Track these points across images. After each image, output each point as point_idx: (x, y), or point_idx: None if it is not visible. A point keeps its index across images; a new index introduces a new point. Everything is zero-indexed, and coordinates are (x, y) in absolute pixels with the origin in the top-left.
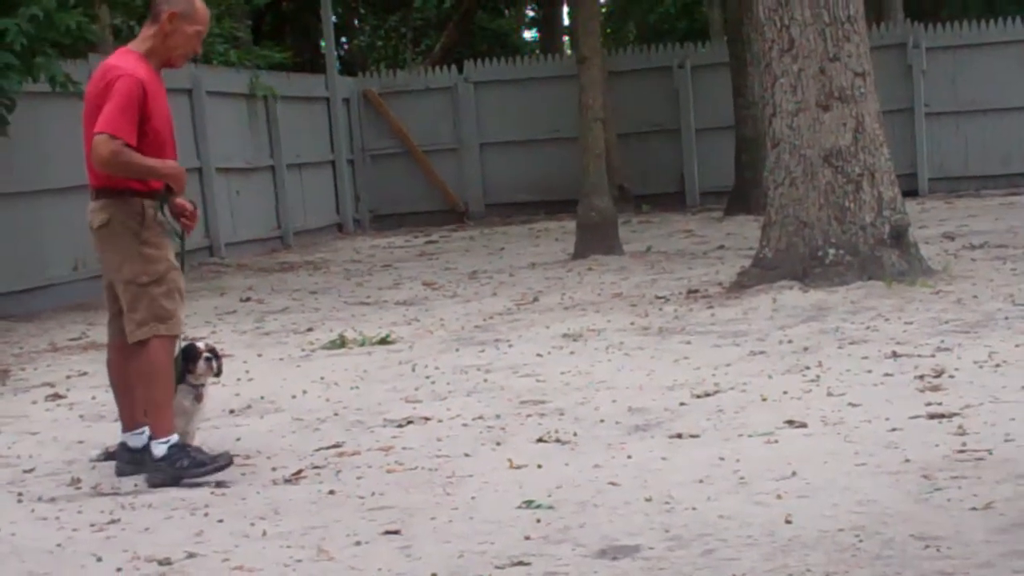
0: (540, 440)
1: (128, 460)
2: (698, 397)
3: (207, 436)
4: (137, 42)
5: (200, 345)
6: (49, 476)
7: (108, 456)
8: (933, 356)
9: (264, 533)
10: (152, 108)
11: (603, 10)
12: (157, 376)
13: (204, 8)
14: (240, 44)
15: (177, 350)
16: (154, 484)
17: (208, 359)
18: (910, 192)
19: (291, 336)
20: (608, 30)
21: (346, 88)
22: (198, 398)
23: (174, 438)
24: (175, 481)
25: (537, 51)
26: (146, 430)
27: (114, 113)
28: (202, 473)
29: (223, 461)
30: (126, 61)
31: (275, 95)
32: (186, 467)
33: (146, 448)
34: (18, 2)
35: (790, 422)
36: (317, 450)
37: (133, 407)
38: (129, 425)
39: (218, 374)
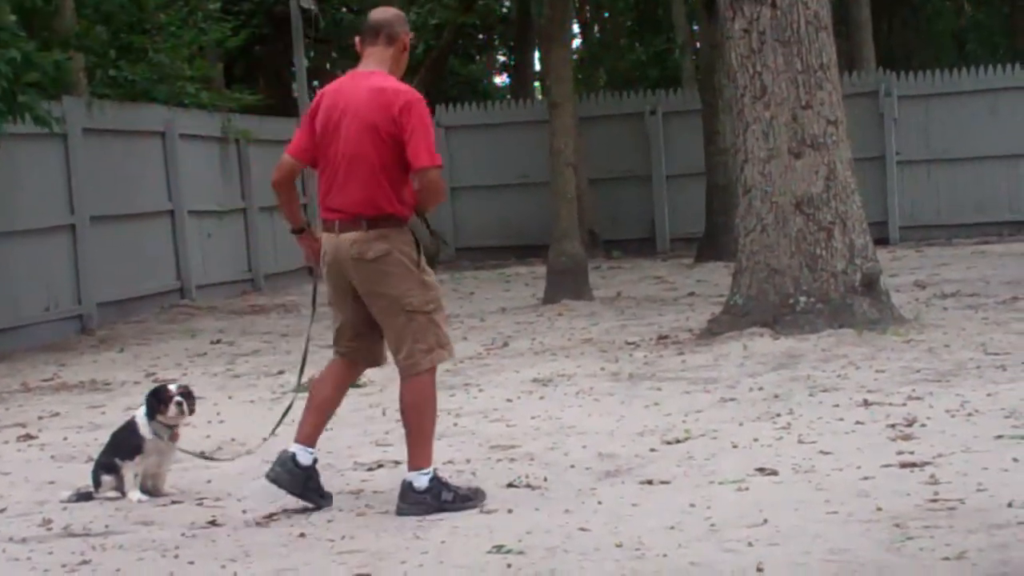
0: (510, 485)
1: (290, 471)
2: (668, 443)
3: (177, 478)
4: (378, 64)
5: (172, 388)
6: (20, 516)
7: (80, 497)
8: (905, 405)
9: (235, 575)
10: None
11: (574, 56)
12: (430, 406)
13: None
14: (212, 85)
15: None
16: (413, 514)
17: (179, 403)
18: (881, 240)
19: (262, 379)
20: (579, 76)
21: None
22: (172, 437)
23: (432, 470)
24: (438, 511)
25: (508, 96)
26: (314, 452)
27: (431, 143)
28: (465, 508)
29: (481, 498)
30: (398, 83)
31: (249, 138)
32: (451, 501)
33: (309, 469)
34: None
35: (761, 469)
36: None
37: (320, 426)
38: (307, 440)
39: (190, 413)
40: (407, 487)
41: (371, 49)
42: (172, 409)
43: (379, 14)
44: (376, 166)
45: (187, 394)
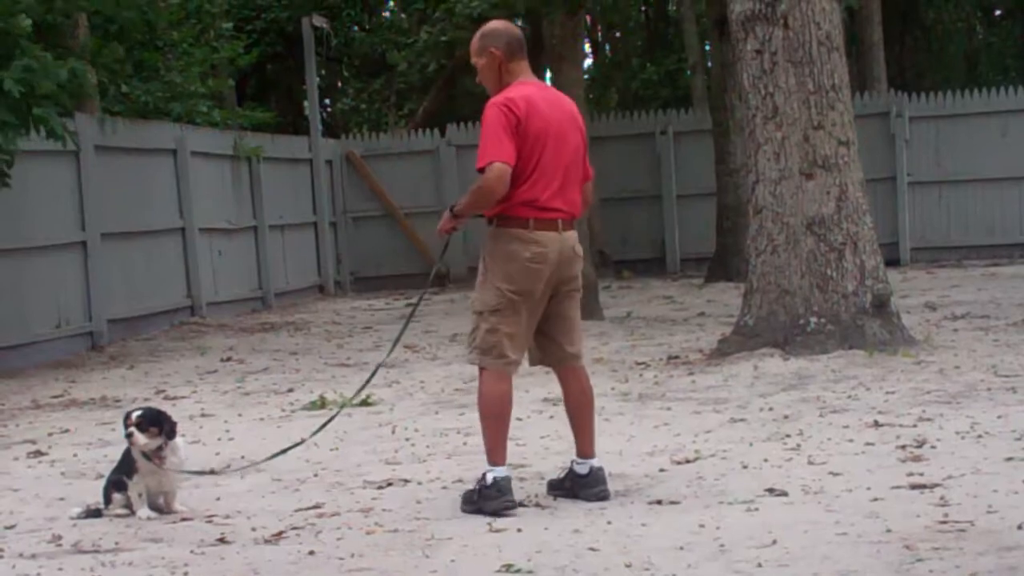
0: (520, 504)
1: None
2: (678, 464)
3: (187, 495)
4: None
5: (134, 415)
6: (30, 533)
7: (90, 514)
8: (915, 426)
9: None
10: None
11: (585, 76)
12: None
13: None
14: (224, 103)
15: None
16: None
17: (130, 434)
18: (892, 262)
19: (271, 396)
20: (590, 96)
21: (329, 150)
22: (155, 460)
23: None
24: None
25: None
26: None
27: None
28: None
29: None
30: None
31: (260, 156)
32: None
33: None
34: (11, 56)
35: (771, 490)
36: (297, 511)
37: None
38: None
39: (169, 437)
40: (602, 472)
41: (525, 63)
42: (127, 440)
43: (518, 30)
44: (583, 170)
45: (150, 420)
